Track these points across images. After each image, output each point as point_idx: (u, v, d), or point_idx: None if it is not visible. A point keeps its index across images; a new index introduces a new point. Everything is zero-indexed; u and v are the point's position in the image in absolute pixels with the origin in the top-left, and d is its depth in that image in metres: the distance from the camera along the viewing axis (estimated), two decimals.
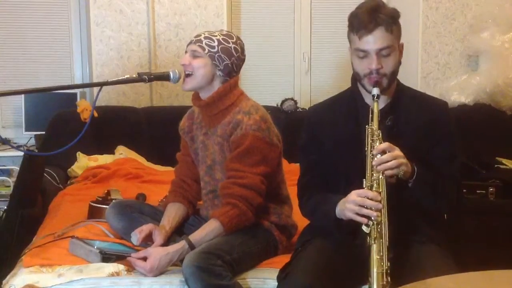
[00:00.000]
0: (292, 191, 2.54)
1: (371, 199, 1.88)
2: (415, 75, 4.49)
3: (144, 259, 2.21)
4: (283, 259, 2.20)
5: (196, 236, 2.26)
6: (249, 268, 2.28)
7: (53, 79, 4.37)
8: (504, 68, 4.22)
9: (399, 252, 1.92)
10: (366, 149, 1.97)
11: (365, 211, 1.88)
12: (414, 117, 2.10)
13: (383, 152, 1.91)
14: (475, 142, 3.93)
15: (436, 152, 2.09)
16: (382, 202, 1.88)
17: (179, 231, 2.47)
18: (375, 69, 2.00)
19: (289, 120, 4.15)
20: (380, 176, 1.90)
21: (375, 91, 2.00)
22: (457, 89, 4.35)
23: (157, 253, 2.21)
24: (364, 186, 1.92)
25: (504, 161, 3.87)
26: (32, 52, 4.40)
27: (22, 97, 4.18)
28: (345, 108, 2.16)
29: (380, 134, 1.95)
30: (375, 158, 1.91)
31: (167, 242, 2.35)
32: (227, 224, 2.27)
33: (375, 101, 1.99)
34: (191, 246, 2.22)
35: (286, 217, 2.47)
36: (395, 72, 2.06)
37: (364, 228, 1.87)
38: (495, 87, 4.22)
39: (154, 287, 2.17)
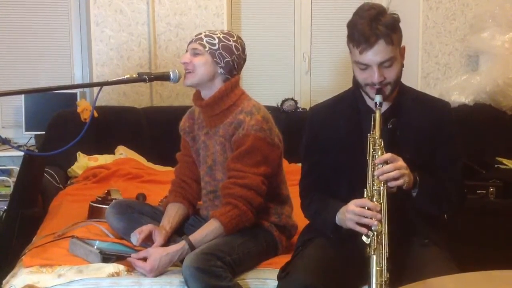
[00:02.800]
0: (292, 191, 2.54)
1: (370, 209, 1.87)
2: (415, 75, 4.49)
3: (144, 259, 2.21)
4: (283, 259, 2.19)
5: (196, 236, 2.25)
6: (249, 269, 2.27)
7: (53, 79, 4.37)
8: (504, 68, 4.22)
9: (400, 255, 1.91)
10: (367, 158, 1.95)
11: (365, 221, 1.87)
12: (416, 119, 2.08)
13: (385, 162, 1.89)
14: (475, 142, 3.93)
15: (439, 153, 2.07)
16: (382, 213, 1.86)
17: (179, 232, 2.47)
18: (377, 82, 1.98)
19: (290, 120, 4.16)
20: (381, 187, 1.89)
21: (378, 98, 1.97)
22: (457, 89, 4.35)
23: (157, 254, 2.20)
24: (364, 196, 1.91)
25: (504, 161, 3.87)
26: (32, 52, 4.40)
27: (22, 97, 4.18)
28: (348, 111, 2.14)
29: (382, 143, 1.93)
30: (377, 168, 1.89)
31: (167, 243, 2.35)
32: (227, 225, 2.26)
33: (378, 109, 1.97)
34: (191, 247, 2.21)
35: (286, 218, 2.47)
36: (398, 79, 2.03)
37: (364, 238, 1.85)
38: (495, 87, 4.21)
39: (154, 287, 2.16)
